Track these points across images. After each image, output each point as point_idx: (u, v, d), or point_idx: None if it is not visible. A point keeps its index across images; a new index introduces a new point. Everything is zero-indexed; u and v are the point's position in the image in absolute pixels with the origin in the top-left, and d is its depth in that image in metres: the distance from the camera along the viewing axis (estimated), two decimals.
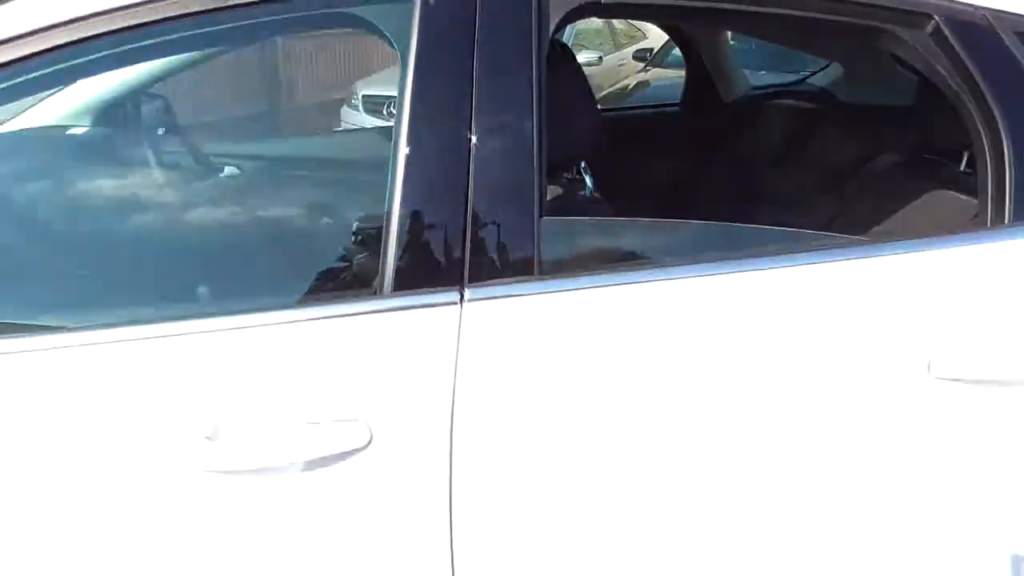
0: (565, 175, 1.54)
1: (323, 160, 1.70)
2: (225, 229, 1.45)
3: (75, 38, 1.13)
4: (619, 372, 1.15)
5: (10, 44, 1.12)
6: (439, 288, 1.13)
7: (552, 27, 1.24)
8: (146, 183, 1.65)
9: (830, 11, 1.31)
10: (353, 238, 1.23)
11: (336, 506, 1.11)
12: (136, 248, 1.40)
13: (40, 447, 1.08)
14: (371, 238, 1.16)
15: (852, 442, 1.19)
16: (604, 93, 6.26)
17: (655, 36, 9.04)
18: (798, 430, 1.18)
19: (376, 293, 1.14)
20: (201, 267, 1.34)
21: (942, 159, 1.37)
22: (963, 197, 1.33)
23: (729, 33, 2.74)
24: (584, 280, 1.17)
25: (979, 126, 1.27)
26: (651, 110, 2.99)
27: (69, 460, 1.07)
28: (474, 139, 1.16)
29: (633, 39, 9.12)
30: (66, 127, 1.71)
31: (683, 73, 2.68)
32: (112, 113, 1.73)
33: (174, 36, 1.20)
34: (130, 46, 1.19)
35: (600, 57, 8.15)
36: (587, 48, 8.34)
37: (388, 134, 1.18)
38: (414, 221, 1.15)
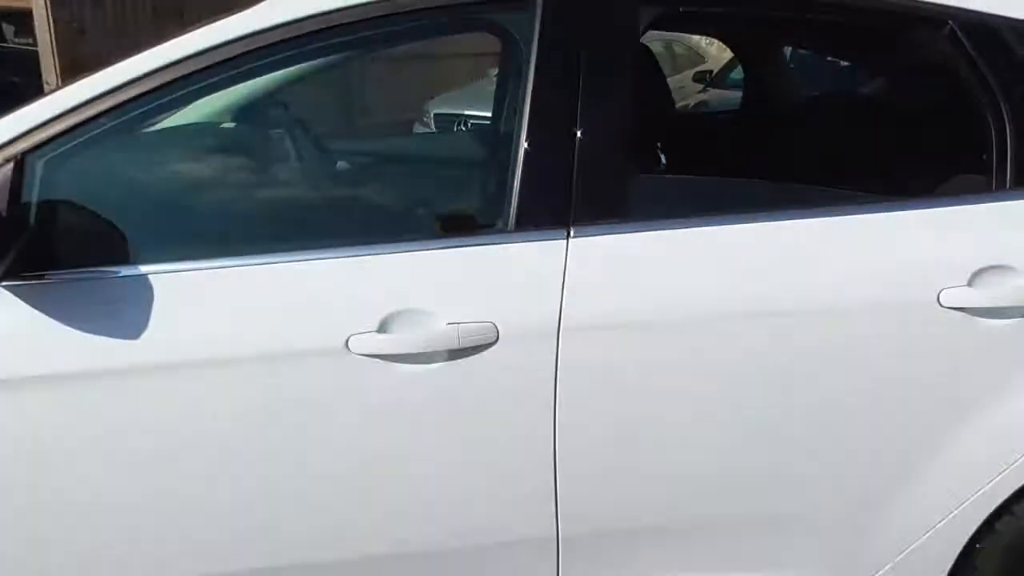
0: (646, 152, 1.89)
1: (447, 150, 2.11)
2: (389, 189, 1.84)
3: (228, 56, 1.49)
4: (685, 297, 1.48)
5: (184, 63, 1.49)
6: (553, 228, 1.48)
7: (639, 34, 1.59)
8: (297, 160, 2.05)
9: (870, 22, 1.64)
10: (489, 193, 1.59)
11: (471, 386, 1.46)
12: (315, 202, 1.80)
13: (261, 336, 1.44)
14: (502, 192, 1.51)
15: (881, 353, 1.50)
16: None
17: (713, 59, 9.37)
18: (839, 341, 1.49)
19: (503, 231, 1.49)
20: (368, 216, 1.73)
21: (956, 141, 1.67)
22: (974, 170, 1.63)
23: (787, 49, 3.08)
24: (655, 224, 1.51)
25: (987, 113, 1.57)
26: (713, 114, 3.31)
27: (279, 342, 1.44)
28: (579, 122, 1.51)
29: (693, 63, 9.46)
30: (218, 123, 2.12)
31: (740, 93, 3.02)
32: (247, 113, 2.12)
33: (308, 48, 1.57)
34: (271, 58, 1.55)
35: None
36: None
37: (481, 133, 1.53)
38: (534, 180, 1.50)
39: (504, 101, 1.83)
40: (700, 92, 7.69)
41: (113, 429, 1.46)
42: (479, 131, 2.03)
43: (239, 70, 1.54)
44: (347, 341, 1.43)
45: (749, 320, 1.49)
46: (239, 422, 1.47)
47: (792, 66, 2.92)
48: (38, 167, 1.48)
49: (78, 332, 1.42)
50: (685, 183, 1.78)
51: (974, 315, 1.49)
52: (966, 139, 1.61)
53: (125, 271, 1.47)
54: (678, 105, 7.06)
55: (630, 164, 1.58)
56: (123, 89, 1.50)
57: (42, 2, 6.01)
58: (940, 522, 1.60)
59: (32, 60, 9.88)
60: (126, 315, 1.43)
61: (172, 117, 1.69)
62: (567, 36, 1.53)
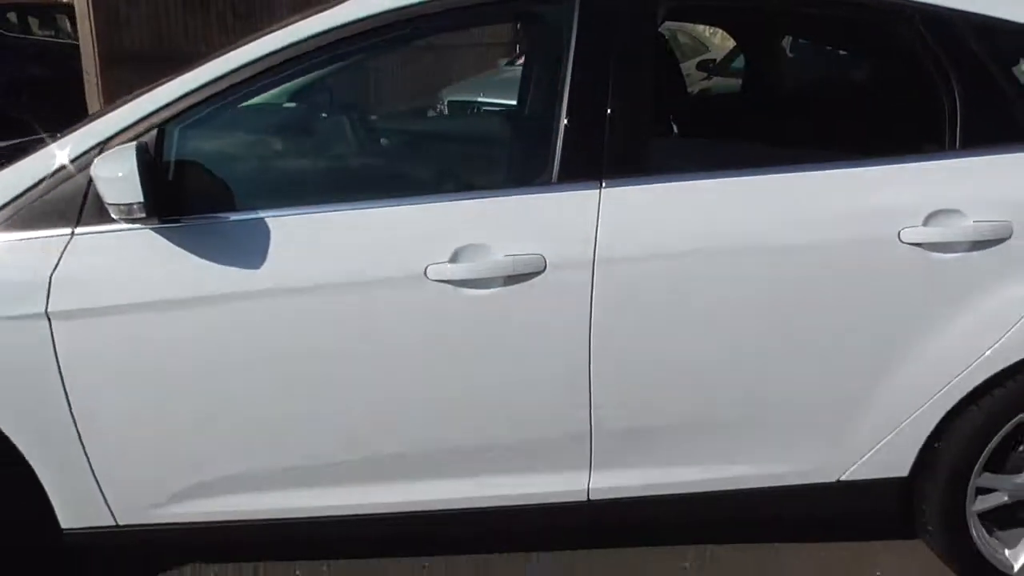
0: (661, 121, 2.26)
1: (503, 121, 2.52)
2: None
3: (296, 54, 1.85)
4: (691, 233, 1.83)
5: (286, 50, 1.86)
6: (589, 181, 1.84)
7: (658, 24, 1.95)
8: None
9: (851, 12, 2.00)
10: (536, 154, 1.94)
11: (522, 306, 1.82)
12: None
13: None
14: (547, 152, 1.87)
15: (854, 279, 1.86)
16: None
17: (716, 48, 9.72)
18: (820, 270, 1.85)
19: (549, 183, 1.86)
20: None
21: (917, 111, 2.03)
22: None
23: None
24: (670, 177, 1.87)
25: (941, 89, 1.92)
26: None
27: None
28: (609, 97, 1.87)
29: (696, 52, 9.80)
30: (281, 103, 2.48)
31: (735, 90, 3.37)
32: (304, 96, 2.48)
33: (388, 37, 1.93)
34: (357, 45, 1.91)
35: None
36: None
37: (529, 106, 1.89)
38: (573, 143, 1.86)
39: (541, 78, 2.18)
40: (703, 80, 8.04)
41: (227, 343, 1.83)
42: (528, 105, 2.39)
43: (333, 54, 1.90)
44: (425, 270, 1.80)
45: (744, 252, 1.85)
46: (337, 333, 1.84)
47: (790, 53, 3.28)
48: (174, 134, 1.85)
49: (203, 263, 1.80)
50: (692, 145, 2.14)
51: (928, 249, 1.86)
52: (925, 110, 1.96)
53: (235, 216, 1.83)
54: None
55: (649, 131, 1.95)
56: (236, 72, 1.86)
57: (84, 1, 6.37)
58: (904, 420, 1.97)
59: (54, 52, 10.25)
60: (240, 251, 1.80)
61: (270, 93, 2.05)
62: (598, 26, 1.89)
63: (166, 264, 1.80)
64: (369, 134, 2.31)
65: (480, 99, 6.71)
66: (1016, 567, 2.13)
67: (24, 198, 1.83)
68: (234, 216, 1.84)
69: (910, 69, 2.02)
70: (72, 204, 1.82)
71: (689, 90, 7.07)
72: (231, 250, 1.80)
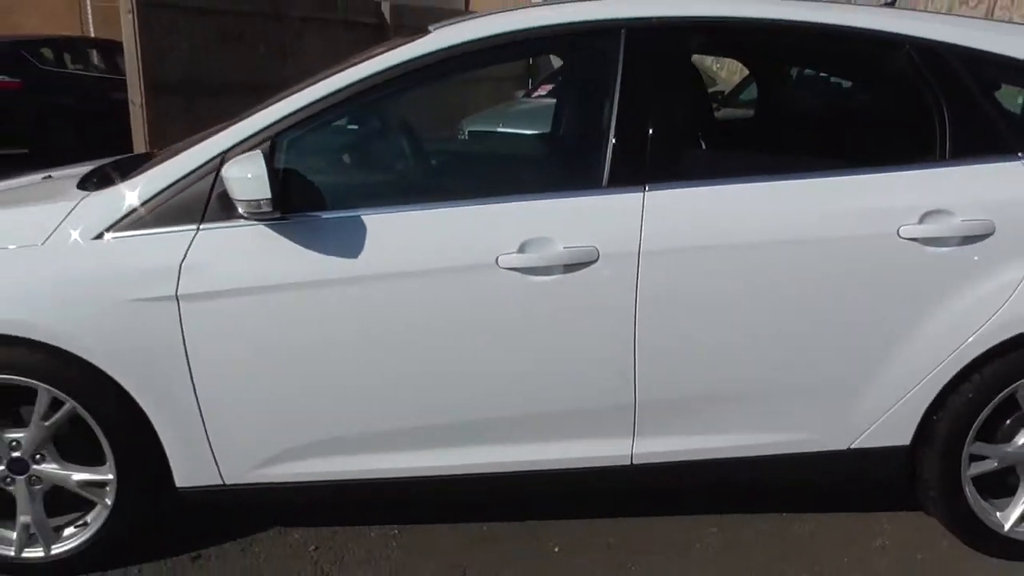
0: (693, 137, 2.60)
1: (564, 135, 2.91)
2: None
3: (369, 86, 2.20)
4: (721, 230, 2.16)
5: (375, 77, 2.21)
6: (635, 185, 2.17)
7: (690, 57, 2.30)
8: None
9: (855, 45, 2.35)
10: (591, 163, 2.27)
11: (578, 291, 2.14)
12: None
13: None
14: (600, 162, 2.20)
15: (859, 270, 2.18)
16: None
17: (723, 82, 10.15)
18: (831, 261, 2.17)
19: (601, 187, 2.19)
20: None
21: (913, 128, 2.37)
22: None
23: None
24: (702, 183, 2.20)
25: (932, 109, 2.26)
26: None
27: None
28: (650, 117, 2.20)
29: (705, 85, 10.22)
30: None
31: (749, 112, 3.74)
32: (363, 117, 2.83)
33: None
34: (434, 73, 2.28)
35: None
36: None
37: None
38: (621, 154, 2.19)
39: (591, 100, 2.52)
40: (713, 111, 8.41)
41: (327, 323, 2.15)
42: (582, 121, 2.76)
43: (416, 80, 2.26)
44: (497, 259, 2.13)
45: (766, 246, 2.17)
46: (421, 313, 2.16)
47: (797, 79, 3.65)
48: (283, 145, 2.19)
49: (308, 253, 2.13)
50: (720, 156, 2.48)
51: (923, 244, 2.18)
52: (919, 126, 2.30)
53: (334, 214, 2.17)
54: None
55: (683, 144, 2.29)
56: (332, 95, 2.21)
57: (131, 32, 6.79)
58: (906, 394, 2.27)
59: (86, 84, 10.71)
60: (339, 243, 2.13)
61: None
62: (640, 59, 2.23)
63: (276, 254, 2.13)
64: (444, 147, 2.66)
65: (499, 129, 7.08)
66: (1007, 527, 2.42)
67: (157, 199, 2.17)
68: (333, 214, 2.17)
69: (906, 92, 2.36)
70: (198, 204, 2.16)
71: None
72: (332, 242, 2.13)
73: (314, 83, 2.25)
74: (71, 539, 2.34)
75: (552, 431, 2.29)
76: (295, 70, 9.09)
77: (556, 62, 9.97)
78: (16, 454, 2.26)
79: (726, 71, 11.26)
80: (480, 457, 2.30)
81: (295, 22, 9.15)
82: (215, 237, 2.14)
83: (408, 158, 2.59)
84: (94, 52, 11.27)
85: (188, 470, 2.28)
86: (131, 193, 2.19)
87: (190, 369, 2.17)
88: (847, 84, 3.35)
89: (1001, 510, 2.44)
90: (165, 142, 6.74)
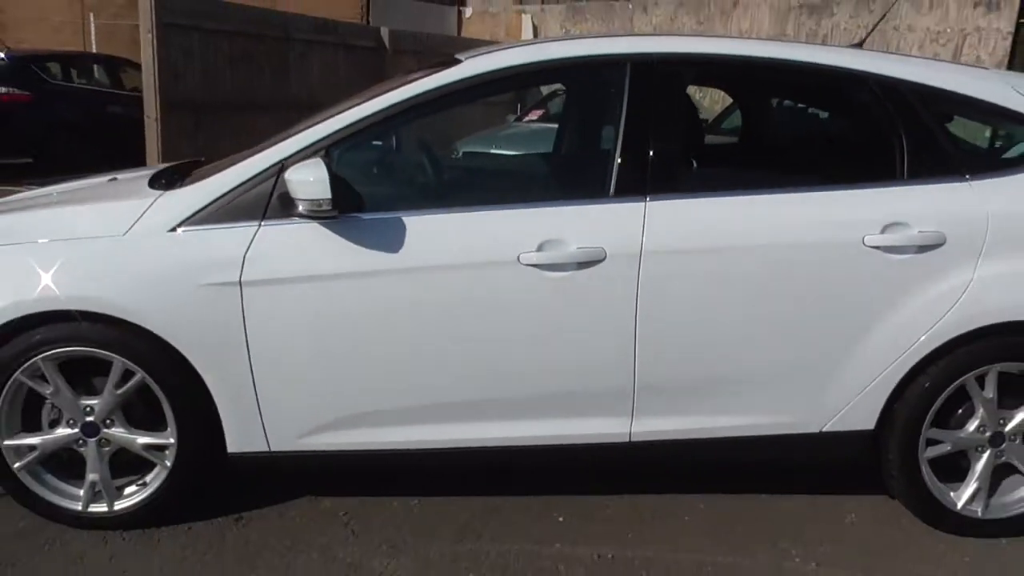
0: (686, 156, 2.97)
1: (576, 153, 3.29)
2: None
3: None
4: (709, 234, 2.50)
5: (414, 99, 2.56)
6: (637, 195, 2.52)
7: (685, 87, 2.66)
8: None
9: (825, 80, 2.72)
10: (599, 176, 2.61)
11: (589, 285, 2.48)
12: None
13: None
14: (607, 175, 2.55)
15: (829, 273, 2.53)
16: None
17: (706, 111, 10.61)
18: (804, 264, 2.51)
19: (608, 196, 2.53)
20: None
21: (876, 152, 2.74)
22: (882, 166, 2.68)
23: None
24: (694, 195, 2.55)
25: (893, 136, 2.63)
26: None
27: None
28: (651, 138, 2.56)
29: None
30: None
31: (734, 139, 4.12)
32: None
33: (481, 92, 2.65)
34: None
35: None
36: None
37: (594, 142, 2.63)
38: (626, 169, 2.54)
39: (599, 121, 2.86)
40: None
41: (370, 308, 2.47)
42: (592, 139, 3.14)
43: (452, 101, 2.62)
44: (518, 256, 2.46)
45: (748, 250, 2.51)
46: (451, 301, 2.48)
47: (776, 108, 4.05)
48: (335, 155, 2.52)
49: (354, 247, 2.45)
50: (709, 173, 2.84)
51: (884, 251, 2.53)
52: (881, 151, 2.66)
53: (378, 215, 2.49)
54: None
55: (678, 162, 2.64)
56: (368, 118, 2.55)
57: (151, 51, 7.14)
58: (870, 384, 2.61)
59: (88, 98, 10.99)
60: (382, 239, 2.45)
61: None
62: (643, 88, 2.59)
63: (327, 248, 2.46)
64: (471, 161, 3.01)
65: (492, 151, 7.46)
66: (959, 505, 2.75)
67: (224, 199, 2.49)
68: (377, 215, 2.50)
69: (870, 121, 2.73)
70: (259, 204, 2.48)
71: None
72: (376, 239, 2.46)
73: (361, 102, 2.59)
74: (132, 496, 2.63)
75: (561, 409, 2.61)
76: (298, 90, 9.48)
77: (545, 90, 10.42)
78: (89, 419, 2.55)
79: (708, 100, 11.74)
80: (496, 431, 2.61)
81: (299, 44, 9.53)
82: (275, 232, 2.47)
83: (440, 168, 2.93)
84: (97, 68, 11.58)
85: (239, 437, 2.58)
86: (202, 193, 2.51)
87: (248, 346, 2.48)
88: (820, 113, 3.75)
89: (954, 489, 2.77)
90: (176, 153, 7.10)
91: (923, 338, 2.57)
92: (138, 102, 10.16)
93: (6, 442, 2.56)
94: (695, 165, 2.87)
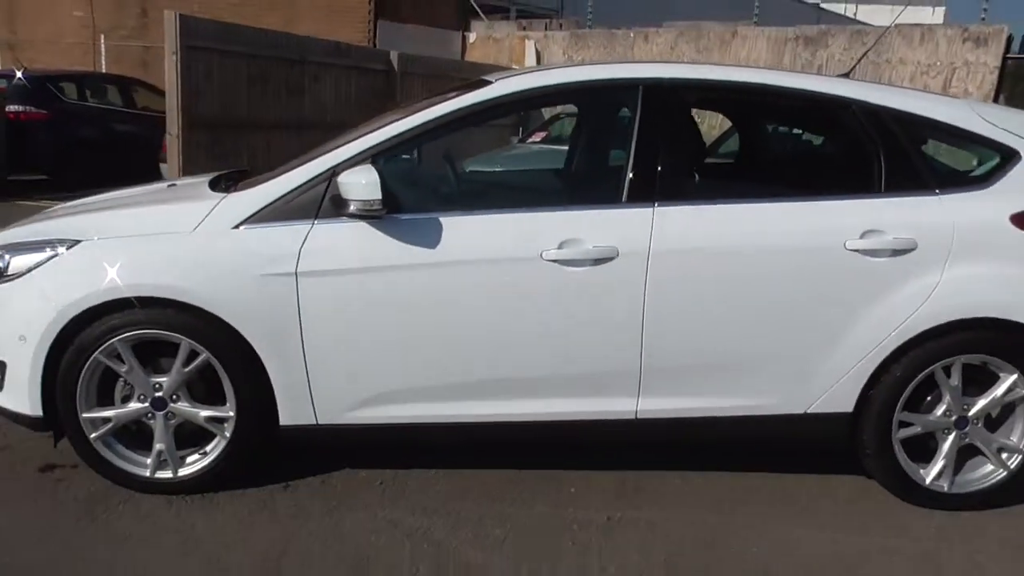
0: (690, 169, 3.33)
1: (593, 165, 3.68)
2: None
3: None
4: (709, 237, 2.85)
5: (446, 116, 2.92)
6: (646, 202, 2.87)
7: (689, 110, 3.03)
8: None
9: (812, 104, 3.09)
10: (612, 185, 2.97)
11: (603, 280, 2.82)
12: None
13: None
14: (619, 185, 2.91)
15: (814, 273, 2.87)
16: None
17: (704, 136, 11.03)
18: (791, 266, 2.86)
19: (620, 202, 2.88)
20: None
21: (857, 168, 3.10)
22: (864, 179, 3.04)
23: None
24: (698, 202, 2.91)
25: (872, 155, 2.99)
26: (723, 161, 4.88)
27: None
28: (659, 154, 2.91)
29: None
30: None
31: (729, 160, 4.51)
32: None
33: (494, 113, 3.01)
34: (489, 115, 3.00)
35: None
36: None
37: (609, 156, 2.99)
38: (636, 179, 2.90)
39: (613, 137, 3.20)
40: None
41: (409, 296, 2.81)
42: (606, 152, 3.53)
43: (484, 117, 2.98)
44: (541, 253, 2.80)
45: (743, 251, 2.87)
46: (482, 292, 2.82)
47: (770, 128, 4.44)
48: (380, 163, 2.87)
49: (396, 243, 2.79)
50: (710, 184, 3.20)
51: (863, 254, 2.88)
52: (862, 167, 3.03)
53: (417, 215, 2.84)
54: None
55: (683, 174, 3.00)
56: (412, 130, 2.91)
57: (174, 72, 7.52)
58: (849, 371, 2.95)
59: (101, 116, 11.36)
60: (421, 236, 2.80)
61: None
62: (653, 109, 2.95)
63: (373, 244, 2.80)
64: (498, 167, 3.37)
65: (497, 169, 7.84)
66: (927, 480, 3.08)
67: (281, 200, 2.84)
68: (416, 215, 2.84)
69: (853, 141, 3.10)
70: (313, 205, 2.83)
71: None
72: (416, 236, 2.80)
73: (402, 117, 2.95)
74: (193, 464, 2.95)
75: (577, 389, 2.95)
76: (311, 110, 9.86)
77: (547, 113, 10.84)
78: (158, 394, 2.88)
79: (705, 124, 12.17)
80: (518, 408, 2.94)
81: (313, 67, 9.92)
82: (327, 230, 2.81)
83: (470, 176, 3.29)
84: (110, 88, 11.94)
85: (291, 411, 2.90)
86: (261, 195, 2.86)
87: (301, 329, 2.81)
88: (808, 133, 4.15)
89: (923, 467, 3.11)
90: (195, 168, 7.44)
91: (896, 331, 2.92)
92: (149, 121, 10.59)
93: (84, 415, 2.87)
94: (698, 177, 3.23)
